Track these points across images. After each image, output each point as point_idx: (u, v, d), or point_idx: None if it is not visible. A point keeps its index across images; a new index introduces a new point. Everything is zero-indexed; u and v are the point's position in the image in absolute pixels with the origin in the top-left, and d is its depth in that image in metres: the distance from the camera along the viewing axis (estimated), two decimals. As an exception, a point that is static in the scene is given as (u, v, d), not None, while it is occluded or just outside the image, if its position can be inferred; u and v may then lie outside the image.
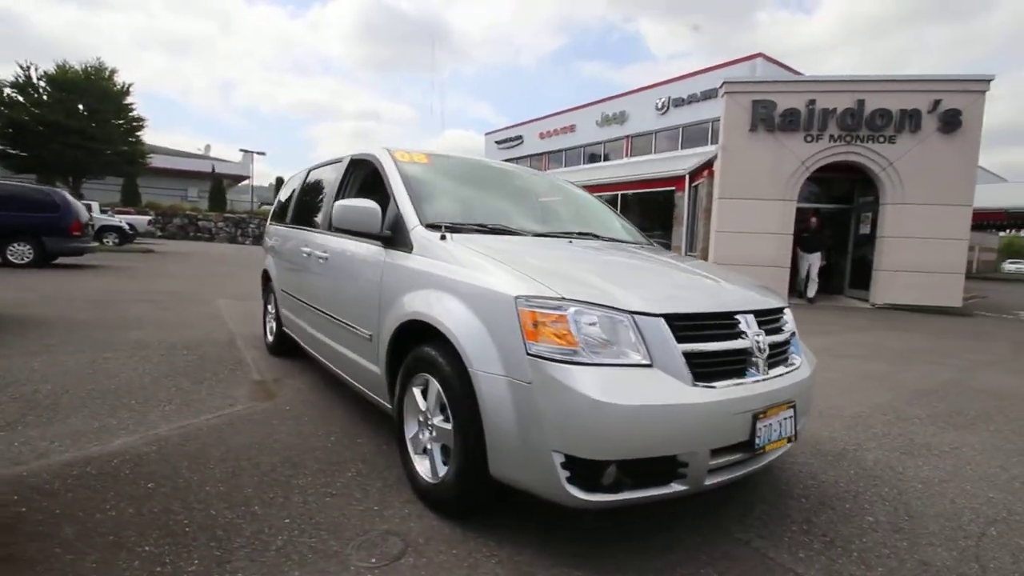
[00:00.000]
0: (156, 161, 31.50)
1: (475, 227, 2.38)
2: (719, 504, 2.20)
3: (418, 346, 2.13)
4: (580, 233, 2.77)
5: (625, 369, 1.64)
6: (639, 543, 1.89)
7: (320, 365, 3.43)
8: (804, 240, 11.61)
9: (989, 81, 10.49)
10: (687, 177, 16.35)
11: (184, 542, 1.74)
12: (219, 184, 31.46)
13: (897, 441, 3.15)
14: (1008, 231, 33.46)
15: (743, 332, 1.89)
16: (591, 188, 18.02)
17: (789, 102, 11.18)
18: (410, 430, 2.22)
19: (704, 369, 1.74)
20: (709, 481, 1.74)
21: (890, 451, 2.98)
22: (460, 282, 1.94)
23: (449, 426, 1.94)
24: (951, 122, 10.50)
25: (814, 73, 19.89)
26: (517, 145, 33.00)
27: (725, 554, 1.86)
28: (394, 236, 2.43)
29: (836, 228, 12.61)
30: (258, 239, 28.68)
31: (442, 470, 2.00)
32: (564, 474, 1.60)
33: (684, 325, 1.75)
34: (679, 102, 21.87)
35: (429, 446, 2.09)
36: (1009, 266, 39.81)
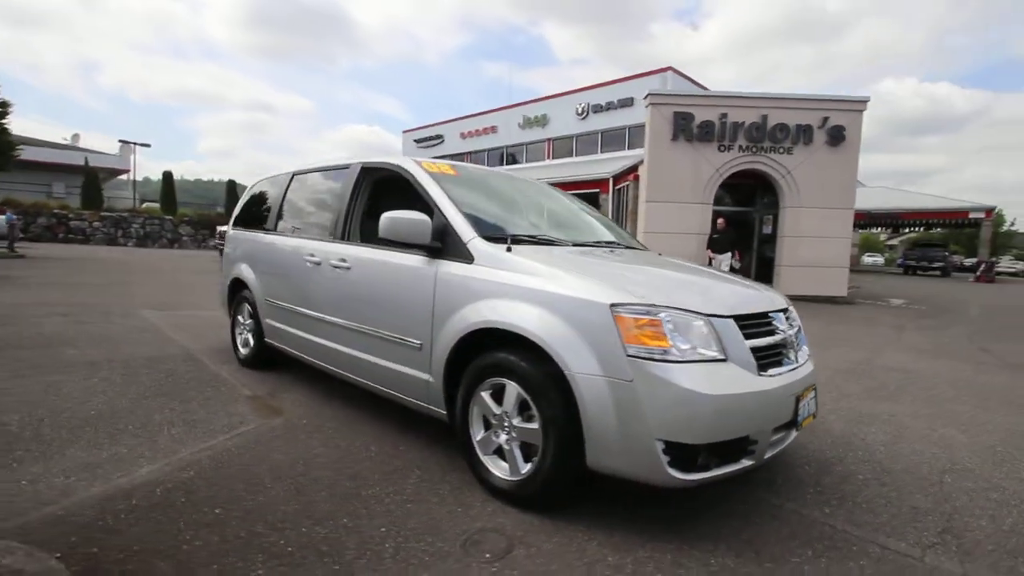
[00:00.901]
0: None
1: (526, 238, 2.51)
2: (747, 479, 2.54)
3: (488, 353, 2.23)
4: (608, 242, 3.00)
5: (708, 364, 1.89)
6: (706, 515, 2.16)
7: (329, 375, 3.36)
8: (714, 241, 12.82)
9: (866, 102, 12.32)
10: (611, 180, 17.33)
11: (295, 562, 1.73)
12: (93, 179, 27.72)
13: (849, 413, 3.75)
14: (866, 229, 39.05)
15: (779, 328, 2.23)
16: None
17: (705, 115, 12.30)
18: (477, 433, 2.32)
19: (761, 361, 2.04)
20: (767, 455, 2.05)
21: (848, 422, 3.55)
22: (541, 291, 2.08)
23: (534, 425, 2.07)
24: (837, 136, 12.18)
25: (702, 83, 21.84)
26: (437, 144, 32.78)
27: (773, 516, 2.19)
28: (444, 247, 2.50)
29: (743, 229, 14.08)
30: (143, 240, 25.84)
31: (524, 467, 2.13)
32: (665, 459, 1.82)
33: (745, 324, 2.04)
34: (598, 108, 23.04)
35: (506, 446, 2.20)
36: (867, 259, 46.55)
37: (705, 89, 21.73)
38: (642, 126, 22.10)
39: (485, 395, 2.27)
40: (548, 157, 25.84)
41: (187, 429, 2.86)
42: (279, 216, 3.97)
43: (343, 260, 3.06)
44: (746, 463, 1.97)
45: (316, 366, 3.45)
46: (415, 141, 34.00)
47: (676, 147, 12.45)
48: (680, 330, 1.89)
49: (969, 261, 30.89)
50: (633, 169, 14.55)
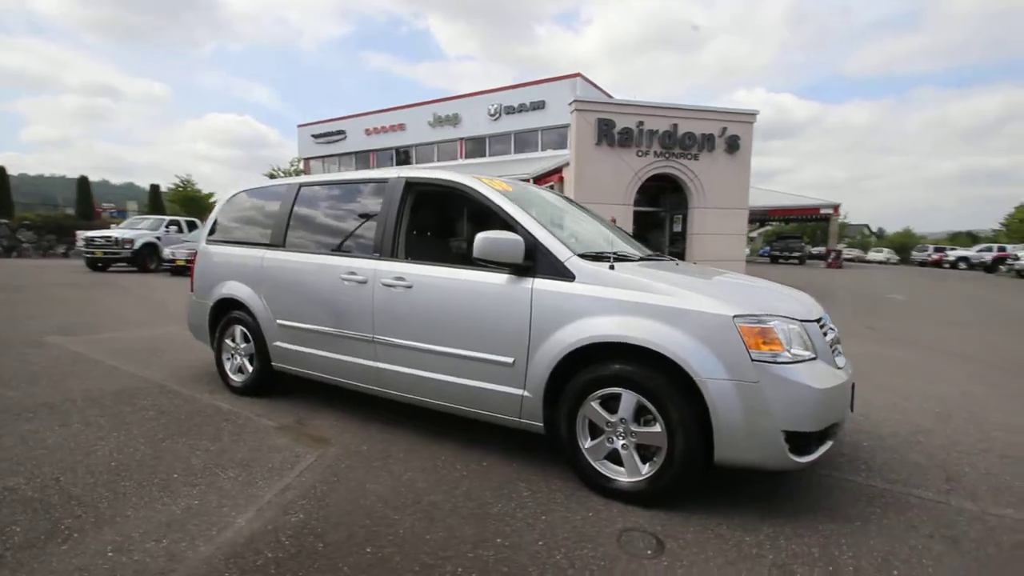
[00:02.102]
0: None
1: (610, 255, 2.68)
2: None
3: (596, 366, 2.39)
4: (654, 254, 3.25)
5: (809, 363, 2.22)
6: (786, 494, 2.51)
7: (370, 396, 3.25)
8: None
9: (755, 115, 14.06)
10: (531, 181, 17.85)
11: (490, 586, 1.76)
12: None
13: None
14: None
15: (829, 326, 2.65)
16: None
17: (624, 122, 13.22)
18: (585, 442, 2.46)
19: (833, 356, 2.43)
20: (838, 436, 2.44)
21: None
22: (663, 307, 2.27)
23: (655, 429, 2.27)
24: (733, 144, 13.77)
25: (602, 87, 23.33)
26: (339, 140, 31.24)
27: (832, 486, 2.61)
28: (536, 265, 2.58)
29: (655, 228, 15.37)
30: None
31: (643, 468, 2.32)
32: (787, 447, 2.12)
33: (819, 327, 2.42)
34: (511, 110, 23.53)
35: (623, 451, 2.37)
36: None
37: (608, 95, 23.19)
38: (554, 129, 23.13)
39: (595, 405, 2.42)
40: (460, 156, 25.83)
41: (244, 471, 2.63)
42: (287, 231, 3.70)
43: (400, 279, 2.99)
44: (829, 443, 2.34)
45: (353, 388, 3.31)
46: (313, 136, 32.02)
47: (600, 151, 13.23)
48: (787, 335, 2.21)
49: (817, 250, 36.35)
50: (557, 171, 15.15)
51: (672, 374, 2.23)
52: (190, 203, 31.52)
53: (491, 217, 2.85)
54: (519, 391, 2.61)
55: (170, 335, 6.16)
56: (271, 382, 3.86)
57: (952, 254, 33.79)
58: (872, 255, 44.49)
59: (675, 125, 13.43)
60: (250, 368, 3.88)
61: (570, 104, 13.38)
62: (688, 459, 2.21)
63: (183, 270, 13.60)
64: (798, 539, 2.10)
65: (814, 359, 2.26)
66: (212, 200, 34.05)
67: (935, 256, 36.20)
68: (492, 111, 23.98)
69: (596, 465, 2.43)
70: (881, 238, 72.30)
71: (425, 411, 3.18)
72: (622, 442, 2.38)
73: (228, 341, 4.01)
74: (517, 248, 2.54)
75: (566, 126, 22.95)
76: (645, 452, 2.35)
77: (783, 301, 2.46)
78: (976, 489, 2.62)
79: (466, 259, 2.83)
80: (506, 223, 2.75)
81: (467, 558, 1.91)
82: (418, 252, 3.17)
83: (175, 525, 2.10)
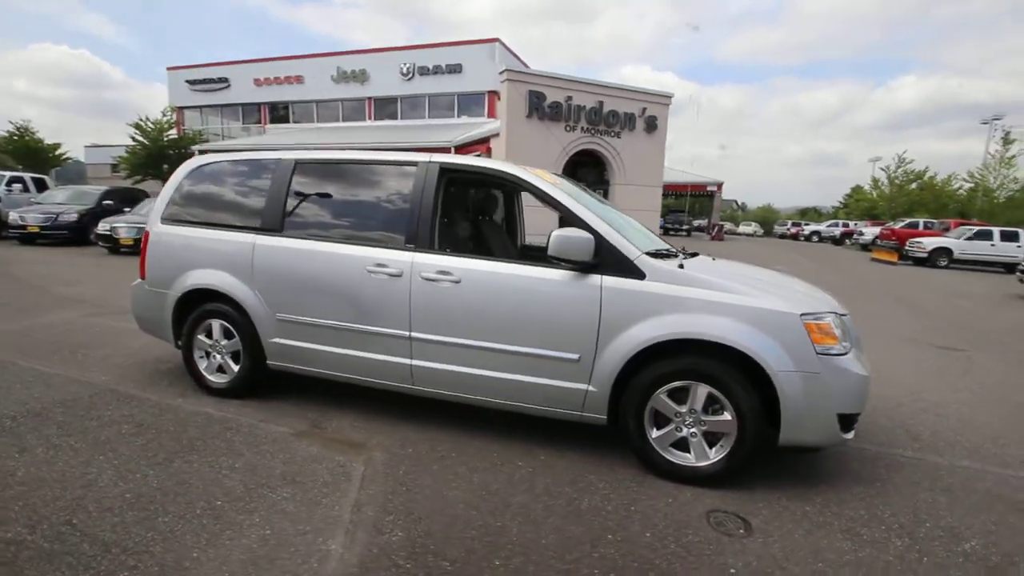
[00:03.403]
0: None
1: (675, 253, 2.76)
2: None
3: (666, 360, 2.51)
4: (692, 252, 3.34)
5: (853, 352, 2.53)
6: (827, 469, 2.87)
7: (373, 391, 3.10)
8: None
9: (671, 97, 14.90)
10: (452, 149, 17.37)
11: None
12: None
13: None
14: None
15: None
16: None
17: (554, 96, 13.32)
18: (652, 432, 2.60)
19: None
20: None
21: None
22: (737, 305, 2.43)
23: (725, 416, 2.46)
24: (652, 125, 14.56)
25: (519, 55, 23.17)
26: (222, 89, 27.65)
27: (870, 458, 3.02)
28: (602, 263, 2.60)
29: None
30: None
31: (711, 453, 2.52)
32: (839, 426, 2.43)
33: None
34: (425, 71, 22.40)
35: (692, 438, 2.54)
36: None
37: (525, 64, 23.03)
38: (472, 95, 22.55)
39: (664, 397, 2.55)
40: (369, 117, 24.22)
41: (297, 488, 2.40)
42: (284, 214, 3.28)
43: (444, 272, 2.83)
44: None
45: (374, 386, 3.12)
46: (188, 83, 27.91)
47: (530, 124, 13.24)
48: (839, 328, 2.49)
49: (698, 223, 40.02)
50: (483, 141, 14.90)
51: (742, 366, 2.42)
52: (30, 156, 26.01)
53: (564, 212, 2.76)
54: (583, 386, 2.66)
55: (71, 322, 5.28)
56: (260, 382, 3.49)
57: (807, 228, 39.22)
58: (742, 228, 50.11)
59: (601, 102, 13.84)
60: (234, 367, 3.46)
61: (501, 73, 13.14)
62: (757, 443, 2.44)
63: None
64: (844, 504, 2.45)
65: (851, 349, 2.58)
66: (61, 154, 28.48)
67: (793, 230, 41.86)
68: (405, 70, 22.64)
69: (664, 453, 2.58)
70: (745, 212, 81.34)
71: (447, 405, 3.15)
72: (691, 430, 2.55)
73: (202, 337, 3.52)
74: (588, 246, 2.54)
75: (484, 92, 22.53)
76: (712, 439, 2.54)
77: (823, 298, 2.76)
78: (936, 445, 3.21)
79: (509, 251, 2.75)
80: (568, 219, 2.72)
81: (594, 559, 1.97)
82: (455, 243, 3.01)
83: (263, 562, 1.88)
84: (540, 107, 13.19)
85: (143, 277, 3.70)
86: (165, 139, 23.36)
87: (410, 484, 2.47)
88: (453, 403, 3.01)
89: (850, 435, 2.51)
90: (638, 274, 2.57)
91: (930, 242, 18.02)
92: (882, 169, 36.01)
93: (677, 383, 2.52)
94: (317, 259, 3.13)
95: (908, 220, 23.69)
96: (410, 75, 22.68)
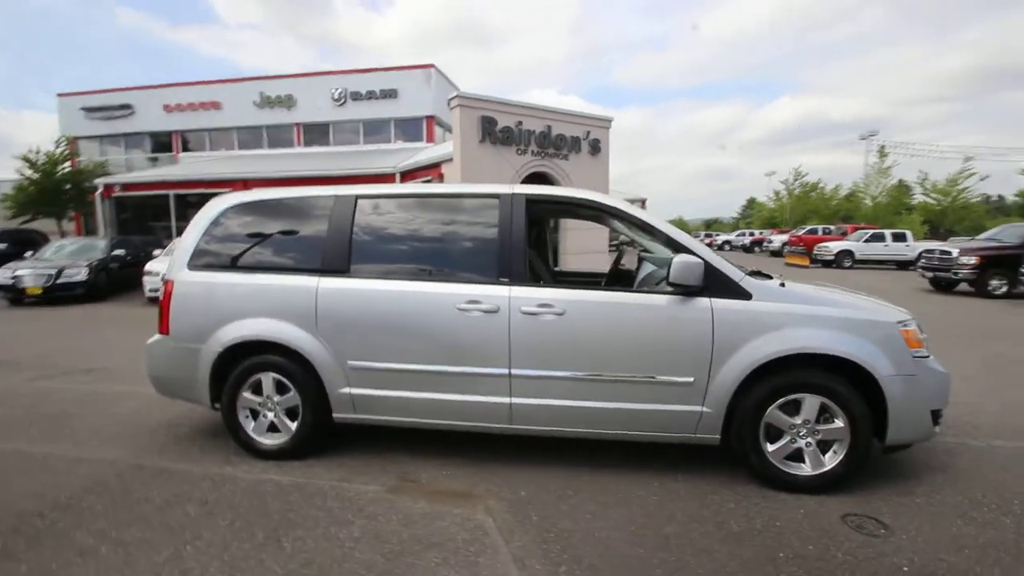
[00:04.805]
0: None
1: (768, 274, 2.92)
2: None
3: (774, 376, 2.63)
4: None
5: (931, 354, 2.80)
6: (902, 461, 3.11)
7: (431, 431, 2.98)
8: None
9: (611, 121, 15.70)
10: (398, 175, 17.04)
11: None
12: None
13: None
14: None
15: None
16: (271, 182, 16.17)
17: (505, 121, 13.54)
18: (768, 446, 2.70)
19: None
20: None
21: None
22: (838, 318, 2.62)
23: (838, 424, 2.62)
24: (596, 147, 15.21)
25: (454, 81, 23.38)
26: (125, 116, 25.26)
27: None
28: (709, 286, 2.69)
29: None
30: None
31: (826, 460, 2.66)
32: (931, 422, 2.66)
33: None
34: (358, 96, 21.88)
35: (807, 448, 2.67)
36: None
37: (457, 88, 23.26)
38: (410, 120, 22.32)
39: (777, 411, 2.67)
40: (298, 144, 23.17)
41: (445, 553, 2.21)
42: (351, 254, 3.07)
43: (546, 305, 2.78)
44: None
45: (464, 429, 2.99)
46: (85, 110, 25.21)
47: (483, 148, 13.34)
48: (923, 334, 2.75)
49: (624, 237, 42.15)
50: (434, 166, 14.77)
51: (850, 374, 2.60)
52: None
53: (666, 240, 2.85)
54: (698, 408, 2.71)
55: (17, 391, 4.64)
56: (321, 440, 3.21)
57: (719, 238, 42.59)
58: (663, 240, 53.34)
59: (549, 127, 14.26)
60: (291, 425, 3.14)
61: (452, 99, 13.16)
62: (867, 447, 2.62)
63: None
64: (939, 492, 2.68)
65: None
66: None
67: (707, 240, 45.37)
68: (336, 95, 21.96)
69: (780, 466, 2.69)
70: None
71: (526, 442, 3.17)
72: (806, 440, 2.68)
73: (248, 395, 3.17)
74: (700, 271, 2.62)
75: (423, 117, 22.42)
76: (823, 447, 2.68)
77: (894, 307, 3.02)
78: (997, 432, 3.52)
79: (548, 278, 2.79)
80: (672, 245, 2.80)
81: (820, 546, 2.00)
82: (547, 275, 2.98)
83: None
84: (492, 132, 13.35)
85: (165, 332, 3.27)
86: (59, 173, 20.84)
87: (555, 530, 2.37)
88: (529, 438, 2.94)
89: (938, 429, 2.76)
90: (744, 295, 2.69)
91: (835, 246, 20.26)
92: (781, 182, 40.11)
93: (788, 397, 2.64)
94: (395, 299, 2.96)
95: (808, 227, 26.52)
96: (342, 100, 22.03)
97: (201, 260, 3.28)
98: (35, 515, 2.50)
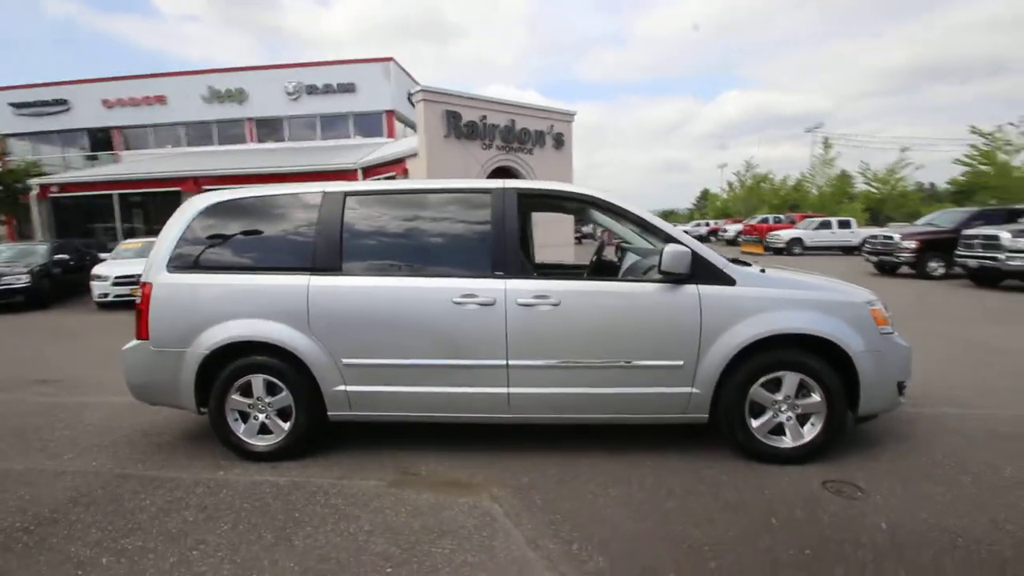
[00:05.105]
0: None
1: (736, 260, 3.08)
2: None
3: (760, 354, 2.81)
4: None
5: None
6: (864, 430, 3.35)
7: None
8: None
9: (574, 115, 15.90)
10: (360, 171, 16.71)
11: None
12: None
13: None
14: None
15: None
16: (225, 180, 15.58)
17: (470, 115, 13.51)
18: (755, 422, 2.87)
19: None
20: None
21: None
22: (815, 300, 2.81)
23: (815, 399, 2.82)
24: (559, 141, 15.39)
25: (413, 75, 23.06)
26: (60, 112, 23.67)
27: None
28: (696, 274, 2.83)
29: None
30: None
31: (806, 432, 2.86)
32: (897, 392, 2.91)
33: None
34: (313, 89, 21.24)
35: (788, 423, 2.86)
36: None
37: (417, 82, 22.96)
38: (369, 114, 21.84)
39: (760, 388, 2.84)
40: (251, 140, 22.30)
41: (459, 540, 2.27)
42: (343, 251, 3.04)
43: (542, 296, 2.86)
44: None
45: (462, 420, 3.04)
46: (12, 106, 23.43)
47: (448, 143, 13.28)
48: (888, 311, 2.98)
49: (585, 229, 42.87)
50: (398, 161, 14.58)
51: (825, 352, 2.80)
52: None
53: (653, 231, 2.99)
54: (687, 389, 2.85)
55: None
56: (315, 439, 3.18)
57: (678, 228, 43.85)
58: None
59: (513, 121, 14.33)
60: (283, 425, 3.10)
61: (415, 93, 13.02)
62: (842, 418, 2.83)
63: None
64: (904, 457, 2.93)
65: (891, 327, 3.11)
66: None
67: (667, 231, 46.59)
68: (290, 89, 21.24)
69: (764, 439, 2.87)
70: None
71: (516, 429, 3.25)
72: (787, 415, 2.87)
73: (237, 397, 3.11)
74: (687, 259, 2.75)
75: (382, 112, 21.97)
76: (801, 420, 2.88)
77: (859, 288, 3.26)
78: (934, 399, 3.87)
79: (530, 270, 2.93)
80: (659, 235, 2.93)
81: (780, 541, 2.16)
82: (530, 268, 3.06)
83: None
84: (457, 126, 13.29)
85: (144, 337, 3.15)
86: (-14, 173, 19.30)
87: (560, 511, 2.46)
88: (523, 427, 3.02)
89: (903, 399, 3.01)
90: (729, 281, 2.85)
91: (786, 234, 21.26)
92: (734, 174, 41.58)
93: (770, 375, 2.82)
94: (390, 295, 2.96)
95: (760, 216, 27.69)
96: (296, 94, 21.32)
97: (181, 261, 3.17)
98: (20, 531, 2.39)
